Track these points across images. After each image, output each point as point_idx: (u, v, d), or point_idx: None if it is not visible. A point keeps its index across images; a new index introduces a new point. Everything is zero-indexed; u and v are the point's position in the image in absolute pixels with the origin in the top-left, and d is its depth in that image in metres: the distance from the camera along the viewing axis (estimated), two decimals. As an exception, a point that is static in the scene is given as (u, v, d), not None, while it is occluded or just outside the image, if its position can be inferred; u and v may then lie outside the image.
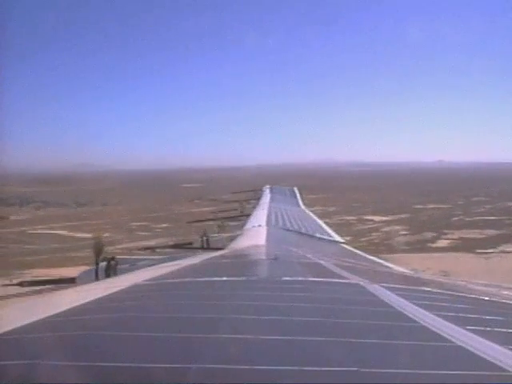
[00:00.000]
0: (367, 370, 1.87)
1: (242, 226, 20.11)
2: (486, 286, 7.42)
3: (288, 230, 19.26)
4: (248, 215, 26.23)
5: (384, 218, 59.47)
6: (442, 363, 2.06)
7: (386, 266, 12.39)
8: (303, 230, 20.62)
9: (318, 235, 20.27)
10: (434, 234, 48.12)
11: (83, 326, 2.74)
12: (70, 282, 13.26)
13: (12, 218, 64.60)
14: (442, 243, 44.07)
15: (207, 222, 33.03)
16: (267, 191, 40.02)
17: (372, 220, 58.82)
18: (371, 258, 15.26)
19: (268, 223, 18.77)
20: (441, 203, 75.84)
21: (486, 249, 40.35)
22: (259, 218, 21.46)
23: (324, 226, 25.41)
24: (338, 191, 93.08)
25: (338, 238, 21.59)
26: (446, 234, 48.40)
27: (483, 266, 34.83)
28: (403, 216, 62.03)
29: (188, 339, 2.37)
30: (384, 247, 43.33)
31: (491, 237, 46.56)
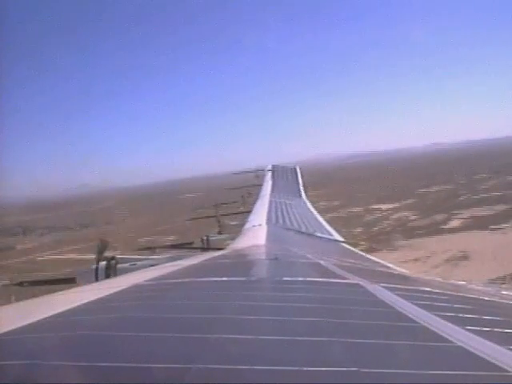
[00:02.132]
0: (367, 370, 1.86)
1: (243, 224, 20.00)
2: (485, 285, 7.42)
3: (288, 228, 19.31)
4: (249, 212, 25.82)
5: (391, 206, 59.60)
6: (442, 363, 2.04)
7: (386, 266, 12.31)
8: (303, 228, 20.74)
9: (318, 234, 20.31)
10: (445, 216, 48.30)
11: (83, 326, 2.71)
12: (70, 281, 13.09)
13: (18, 247, 64.03)
14: (454, 224, 44.22)
15: (208, 219, 32.90)
16: (268, 176, 39.19)
17: (379, 209, 58.90)
18: (371, 257, 15.31)
19: (268, 221, 18.78)
20: (444, 184, 76.13)
21: (499, 224, 40.50)
22: (259, 216, 21.40)
23: (323, 222, 25.42)
24: (339, 184, 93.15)
25: (338, 236, 21.61)
26: (456, 214, 48.59)
27: (501, 242, 34.88)
28: (409, 201, 62.20)
29: (188, 339, 2.34)
30: (398, 234, 43.34)
31: (501, 212, 46.76)
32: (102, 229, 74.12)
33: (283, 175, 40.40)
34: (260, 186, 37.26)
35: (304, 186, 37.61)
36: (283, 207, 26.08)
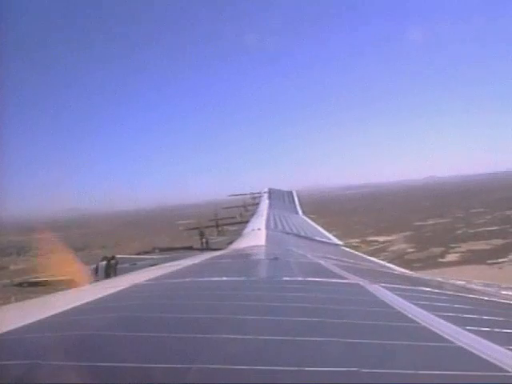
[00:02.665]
0: (367, 370, 1.85)
1: (241, 230, 20.14)
2: (485, 285, 7.40)
3: (287, 233, 19.37)
4: (247, 222, 26.08)
5: (388, 238, 59.29)
6: (442, 364, 2.04)
7: (386, 267, 12.42)
8: (302, 234, 20.75)
9: (317, 238, 20.36)
10: (442, 249, 48.07)
11: (83, 326, 2.71)
12: (71, 281, 13.25)
13: (12, 267, 62.94)
14: (451, 257, 43.98)
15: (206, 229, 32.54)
16: (265, 196, 39.58)
17: (376, 241, 58.58)
18: (371, 259, 15.28)
19: (267, 227, 18.81)
20: (440, 218, 76.14)
21: (497, 258, 40.31)
22: (258, 222, 21.56)
23: (323, 230, 25.53)
24: (335, 215, 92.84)
25: (337, 241, 21.64)
26: (453, 247, 48.40)
27: (498, 276, 34.60)
28: (406, 234, 61.97)
29: (188, 339, 2.35)
30: (396, 267, 42.67)
31: (498, 246, 46.62)
32: (96, 252, 73.32)
33: (280, 197, 40.66)
34: (257, 204, 37.69)
35: (301, 206, 37.67)
36: (281, 218, 26.19)
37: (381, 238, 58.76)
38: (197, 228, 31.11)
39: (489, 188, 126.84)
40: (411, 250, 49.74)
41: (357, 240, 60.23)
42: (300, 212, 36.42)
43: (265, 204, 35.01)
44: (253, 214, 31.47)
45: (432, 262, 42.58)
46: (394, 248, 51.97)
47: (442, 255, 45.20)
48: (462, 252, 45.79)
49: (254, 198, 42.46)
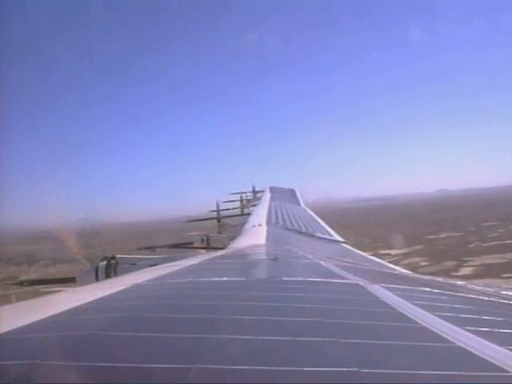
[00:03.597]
0: (367, 371, 1.83)
1: (242, 224, 19.92)
2: (485, 286, 7.34)
3: (288, 229, 19.14)
4: (248, 214, 26.01)
5: (400, 251, 58.67)
6: (442, 364, 2.02)
7: (386, 266, 12.27)
8: (303, 229, 20.53)
9: (318, 234, 20.16)
10: (456, 263, 47.48)
11: (83, 326, 2.69)
12: (71, 281, 13.17)
13: (21, 277, 63.36)
14: (465, 271, 43.37)
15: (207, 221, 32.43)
16: (267, 191, 39.74)
17: (389, 254, 57.96)
18: (372, 258, 15.16)
19: (268, 222, 18.60)
20: (453, 231, 75.30)
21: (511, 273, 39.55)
22: (259, 217, 21.30)
23: (325, 225, 25.31)
24: (346, 228, 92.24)
25: (338, 237, 21.51)
26: (466, 261, 47.75)
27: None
28: (418, 247, 61.34)
29: (188, 339, 2.33)
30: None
31: (512, 260, 45.77)
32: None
33: (282, 192, 40.81)
34: (259, 198, 37.77)
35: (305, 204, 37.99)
36: (283, 210, 26.12)
37: (393, 252, 58.15)
38: (201, 220, 30.98)
39: (501, 201, 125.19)
40: (424, 263, 49.16)
41: (368, 253, 59.84)
42: (302, 204, 36.37)
43: (267, 196, 35.07)
44: (255, 205, 31.62)
45: (445, 276, 41.93)
46: (407, 261, 51.35)
47: (456, 269, 44.59)
48: (476, 266, 45.17)
49: (256, 195, 42.62)
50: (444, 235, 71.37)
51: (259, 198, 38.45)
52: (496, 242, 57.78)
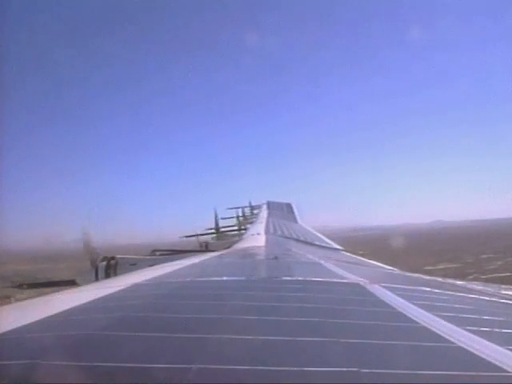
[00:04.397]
0: (367, 371, 1.84)
1: (241, 235, 20.40)
2: (485, 286, 7.36)
3: (287, 237, 19.46)
4: (246, 229, 26.42)
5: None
6: (442, 364, 2.03)
7: (387, 269, 12.32)
8: (302, 238, 20.83)
9: (317, 243, 20.40)
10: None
11: (83, 326, 2.70)
12: (71, 284, 13.27)
13: (16, 296, 62.16)
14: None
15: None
16: (264, 207, 40.13)
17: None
18: (371, 262, 15.26)
19: (267, 232, 18.95)
20: (450, 262, 74.65)
21: (510, 306, 39.09)
22: (257, 228, 21.72)
23: (323, 237, 25.66)
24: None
25: (337, 246, 21.68)
26: (465, 293, 47.11)
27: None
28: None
29: (188, 339, 2.34)
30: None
31: (512, 293, 45.28)
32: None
33: (279, 208, 41.15)
34: (256, 214, 37.98)
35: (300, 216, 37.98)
36: (281, 225, 26.36)
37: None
38: (198, 235, 30.96)
39: (498, 233, 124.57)
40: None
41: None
42: (299, 220, 36.45)
43: (264, 213, 35.36)
44: (252, 222, 31.76)
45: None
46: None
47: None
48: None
49: (253, 210, 42.87)
50: (442, 266, 70.70)
51: (256, 215, 38.58)
52: (495, 275, 57.33)
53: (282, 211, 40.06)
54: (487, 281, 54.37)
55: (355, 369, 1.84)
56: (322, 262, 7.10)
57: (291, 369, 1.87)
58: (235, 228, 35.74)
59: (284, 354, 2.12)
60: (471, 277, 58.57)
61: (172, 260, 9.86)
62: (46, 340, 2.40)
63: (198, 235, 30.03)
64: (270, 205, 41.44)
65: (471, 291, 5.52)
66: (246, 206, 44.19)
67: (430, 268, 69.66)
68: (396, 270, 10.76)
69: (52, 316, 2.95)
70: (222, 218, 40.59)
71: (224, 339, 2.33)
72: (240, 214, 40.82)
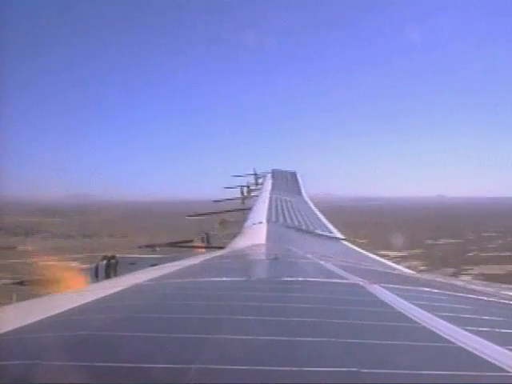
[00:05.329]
0: (367, 371, 1.83)
1: (243, 221, 20.54)
2: (485, 286, 7.45)
3: (288, 226, 19.77)
4: (249, 208, 26.54)
5: (399, 254, 58.60)
6: (442, 364, 2.02)
7: (387, 265, 12.42)
8: (303, 227, 21.19)
9: (318, 231, 20.74)
10: (455, 270, 47.40)
11: (83, 326, 2.70)
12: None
13: (19, 248, 63.27)
14: (464, 279, 43.08)
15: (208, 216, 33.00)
16: (268, 177, 40.20)
17: (387, 255, 57.85)
18: (372, 256, 15.36)
19: (268, 220, 19.27)
20: (451, 238, 75.11)
21: (510, 283, 39.34)
22: (260, 211, 22.10)
23: (324, 220, 26.17)
24: (344, 227, 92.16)
25: (338, 234, 22.08)
26: (465, 269, 47.65)
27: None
28: (417, 251, 61.23)
29: (188, 339, 2.33)
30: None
31: (511, 272, 45.78)
32: (104, 240, 73.40)
33: (283, 177, 41.22)
34: (261, 184, 38.52)
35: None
36: (283, 205, 26.45)
37: (391, 253, 57.99)
38: (203, 214, 31.37)
39: (500, 212, 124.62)
40: (423, 267, 49.06)
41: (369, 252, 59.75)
42: (303, 193, 36.72)
43: (268, 185, 35.67)
44: (256, 196, 32.20)
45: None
46: (406, 264, 51.18)
47: (455, 276, 44.42)
48: (475, 275, 45.08)
49: (258, 179, 43.11)
50: (443, 241, 71.24)
51: (261, 184, 39.10)
52: (495, 253, 57.68)
53: (286, 181, 40.28)
54: (488, 259, 54.69)
55: (355, 369, 1.83)
56: (322, 261, 7.17)
57: (291, 369, 1.85)
58: (239, 207, 35.91)
59: (284, 354, 2.11)
60: (471, 254, 58.90)
61: (172, 259, 9.94)
62: (46, 340, 2.38)
63: (201, 214, 30.65)
64: (274, 174, 41.58)
65: (471, 291, 5.52)
66: (250, 174, 44.48)
67: (431, 242, 70.08)
68: (397, 269, 10.76)
69: (52, 316, 2.93)
70: (226, 188, 41.18)
71: (224, 339, 2.32)
72: (244, 184, 41.44)
